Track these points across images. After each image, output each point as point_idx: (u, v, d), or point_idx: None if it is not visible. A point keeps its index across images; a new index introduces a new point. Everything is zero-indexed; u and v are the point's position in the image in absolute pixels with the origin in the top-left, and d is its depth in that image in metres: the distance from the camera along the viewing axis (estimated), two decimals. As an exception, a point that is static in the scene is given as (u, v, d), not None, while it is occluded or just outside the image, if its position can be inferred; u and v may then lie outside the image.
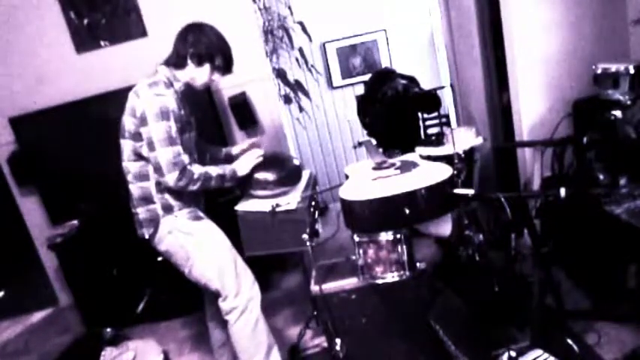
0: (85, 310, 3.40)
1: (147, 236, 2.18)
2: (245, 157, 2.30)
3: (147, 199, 2.13)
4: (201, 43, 2.08)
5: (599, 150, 2.47)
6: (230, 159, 2.39)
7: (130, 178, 2.15)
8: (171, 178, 2.02)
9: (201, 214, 2.22)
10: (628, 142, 2.31)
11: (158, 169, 2.03)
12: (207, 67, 2.12)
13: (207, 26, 2.13)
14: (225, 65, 2.16)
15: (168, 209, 2.13)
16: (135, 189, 2.15)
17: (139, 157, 2.09)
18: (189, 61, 2.09)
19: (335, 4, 4.69)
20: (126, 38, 3.44)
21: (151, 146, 2.01)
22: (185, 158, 2.04)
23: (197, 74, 2.13)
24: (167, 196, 2.12)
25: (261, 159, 2.28)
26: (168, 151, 2.00)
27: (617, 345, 2.19)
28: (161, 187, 2.11)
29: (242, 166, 2.24)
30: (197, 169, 2.08)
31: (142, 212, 2.16)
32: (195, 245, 2.16)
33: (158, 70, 2.13)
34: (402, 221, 1.90)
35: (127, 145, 2.10)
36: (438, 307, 2.08)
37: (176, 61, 2.11)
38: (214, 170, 2.13)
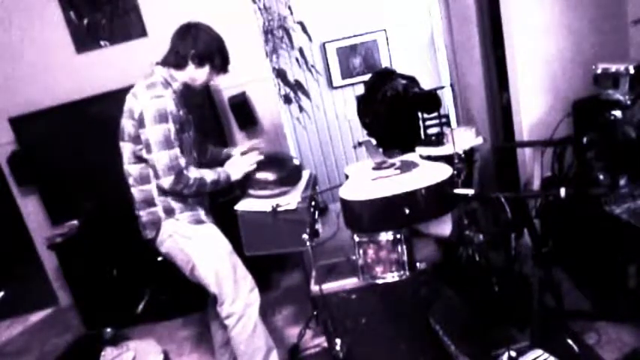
0: (85, 310, 3.40)
1: (149, 237, 2.19)
2: (239, 161, 2.28)
3: (148, 202, 2.13)
4: (202, 44, 2.07)
5: (599, 150, 2.47)
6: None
7: (131, 181, 2.15)
8: (166, 182, 2.02)
9: (203, 217, 2.20)
10: (628, 142, 2.31)
11: (155, 172, 2.03)
12: (207, 67, 2.11)
13: (203, 26, 2.12)
14: (224, 64, 2.16)
15: (169, 212, 2.13)
16: (136, 192, 2.15)
17: (139, 159, 2.09)
18: (189, 62, 2.08)
19: (335, 4, 4.69)
20: (126, 38, 3.44)
21: (149, 149, 2.01)
22: (182, 162, 2.03)
23: (197, 74, 2.12)
24: (169, 198, 2.12)
25: (254, 166, 2.27)
26: (164, 154, 1.99)
27: (617, 345, 2.19)
28: (163, 190, 2.11)
29: (236, 171, 2.23)
30: (193, 174, 2.07)
31: (144, 215, 2.16)
32: (195, 250, 2.16)
33: (154, 70, 2.11)
34: (402, 221, 1.90)
35: (126, 148, 2.10)
36: (438, 307, 2.08)
37: (176, 61, 2.09)
38: (209, 175, 2.13)
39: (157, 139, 1.98)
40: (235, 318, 2.19)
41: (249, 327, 2.21)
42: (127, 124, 2.06)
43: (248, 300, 2.21)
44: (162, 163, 2.00)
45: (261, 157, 2.31)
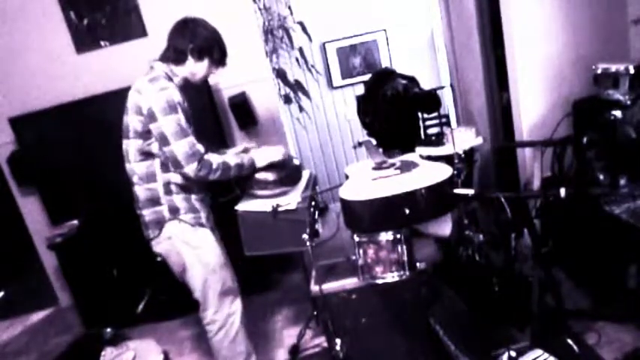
0: (85, 310, 3.40)
1: (152, 237, 2.18)
2: (268, 150, 2.31)
3: (154, 201, 2.12)
4: (200, 38, 2.08)
5: (599, 150, 2.47)
6: None
7: (135, 179, 2.13)
8: (190, 169, 2.01)
9: (203, 220, 2.19)
10: (628, 142, 2.31)
11: (176, 163, 2.01)
12: (206, 61, 2.12)
13: (200, 20, 2.14)
14: (222, 57, 2.17)
15: (174, 211, 2.12)
16: (141, 191, 2.13)
17: (145, 156, 2.08)
18: (189, 56, 2.09)
19: (335, 4, 4.69)
20: (126, 38, 3.44)
21: (165, 141, 1.99)
22: (200, 148, 2.04)
23: (197, 68, 2.13)
24: (174, 197, 2.11)
25: (280, 158, 2.28)
26: (183, 143, 1.99)
27: (617, 345, 2.19)
28: (169, 189, 2.10)
29: (261, 158, 2.25)
30: (215, 159, 2.07)
31: (148, 214, 2.15)
32: (189, 256, 2.16)
33: (154, 66, 2.11)
34: (402, 221, 1.90)
35: (132, 146, 2.08)
36: (438, 307, 2.08)
37: (175, 56, 2.10)
38: (232, 160, 2.13)
39: (172, 130, 1.98)
40: (217, 326, 2.23)
41: (230, 334, 2.25)
42: (133, 121, 2.04)
43: (230, 310, 2.25)
44: (182, 152, 1.99)
45: (286, 154, 2.33)
